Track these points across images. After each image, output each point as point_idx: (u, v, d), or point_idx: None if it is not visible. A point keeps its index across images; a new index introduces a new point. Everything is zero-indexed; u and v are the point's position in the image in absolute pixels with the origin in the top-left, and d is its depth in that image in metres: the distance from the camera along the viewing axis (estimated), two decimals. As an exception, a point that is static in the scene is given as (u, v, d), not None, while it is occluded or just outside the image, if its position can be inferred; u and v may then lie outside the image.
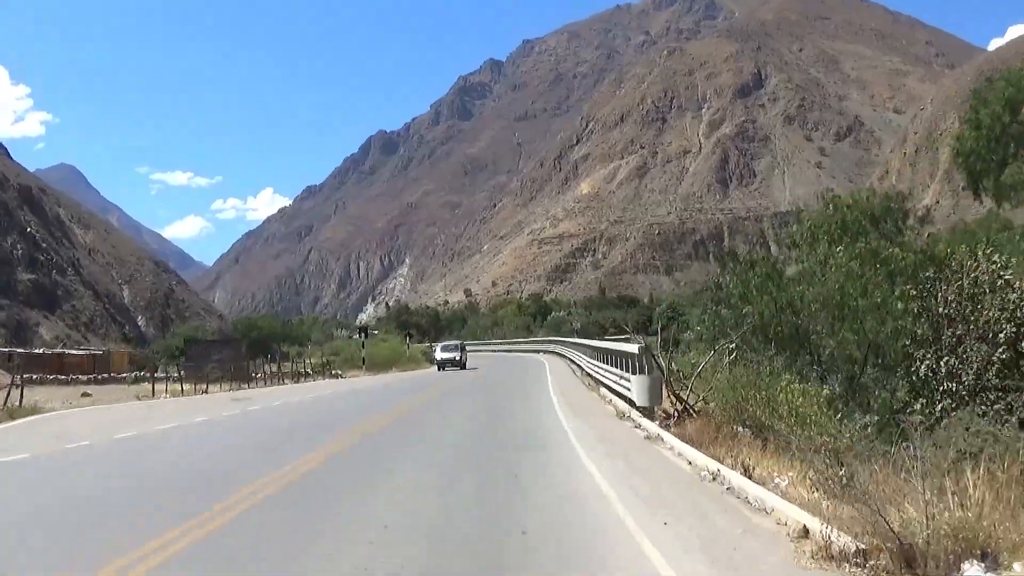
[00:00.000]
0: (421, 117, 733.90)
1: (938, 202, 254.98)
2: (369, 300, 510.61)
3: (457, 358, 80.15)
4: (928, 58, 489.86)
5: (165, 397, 48.16)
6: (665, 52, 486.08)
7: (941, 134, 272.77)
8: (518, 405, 35.28)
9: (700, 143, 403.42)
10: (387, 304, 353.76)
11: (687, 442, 19.98)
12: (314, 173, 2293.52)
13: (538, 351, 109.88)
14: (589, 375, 50.28)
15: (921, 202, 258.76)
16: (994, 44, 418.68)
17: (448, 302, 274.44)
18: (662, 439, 21.76)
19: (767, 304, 29.17)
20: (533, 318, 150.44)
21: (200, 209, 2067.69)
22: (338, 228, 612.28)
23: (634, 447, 21.38)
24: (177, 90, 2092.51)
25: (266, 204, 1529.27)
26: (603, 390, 39.11)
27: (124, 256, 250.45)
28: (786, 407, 20.18)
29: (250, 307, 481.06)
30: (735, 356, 27.29)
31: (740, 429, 21.18)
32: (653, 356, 28.30)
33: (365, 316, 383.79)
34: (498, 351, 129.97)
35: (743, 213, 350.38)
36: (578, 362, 62.66)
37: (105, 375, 72.74)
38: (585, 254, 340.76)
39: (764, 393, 21.13)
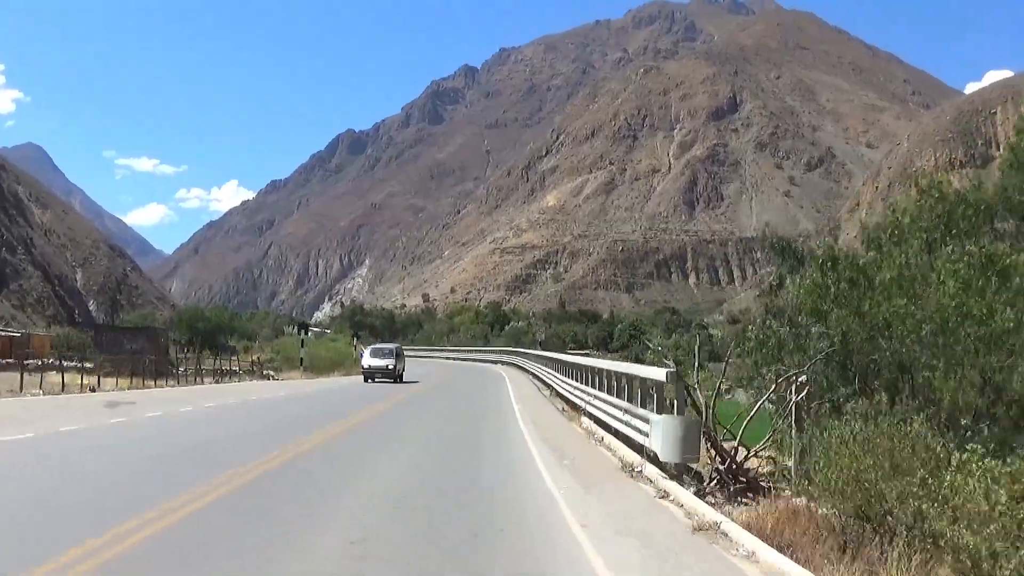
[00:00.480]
0: (391, 118, 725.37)
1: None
2: (326, 299, 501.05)
3: (391, 366, 62.95)
4: (904, 96, 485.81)
5: (35, 393, 38.46)
6: (641, 70, 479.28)
7: (915, 171, 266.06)
8: (480, 444, 25.05)
9: (670, 163, 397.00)
10: (342, 303, 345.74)
11: (781, 550, 11.01)
12: (280, 168, 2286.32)
13: (496, 362, 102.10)
14: (562, 396, 41.18)
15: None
16: (970, 88, 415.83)
17: (405, 306, 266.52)
18: (726, 534, 12.30)
19: (851, 323, 19.53)
20: (491, 327, 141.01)
21: (163, 197, 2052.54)
22: (300, 224, 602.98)
23: (684, 552, 11.72)
24: (149, 77, 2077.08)
25: (230, 196, 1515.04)
26: (585, 420, 29.85)
27: (80, 239, 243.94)
28: (973, 502, 10.71)
29: (206, 298, 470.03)
30: (806, 394, 18.09)
31: (867, 531, 11.94)
32: (689, 389, 18.95)
33: (321, 315, 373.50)
34: (452, 359, 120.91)
35: (708, 236, 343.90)
36: (545, 379, 53.91)
37: (9, 360, 63.06)
38: (547, 266, 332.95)
39: (930, 476, 11.56)
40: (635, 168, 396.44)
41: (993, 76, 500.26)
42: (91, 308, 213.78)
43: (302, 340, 78.17)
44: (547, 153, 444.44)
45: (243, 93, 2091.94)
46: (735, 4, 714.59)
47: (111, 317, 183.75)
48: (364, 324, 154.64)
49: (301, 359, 73.79)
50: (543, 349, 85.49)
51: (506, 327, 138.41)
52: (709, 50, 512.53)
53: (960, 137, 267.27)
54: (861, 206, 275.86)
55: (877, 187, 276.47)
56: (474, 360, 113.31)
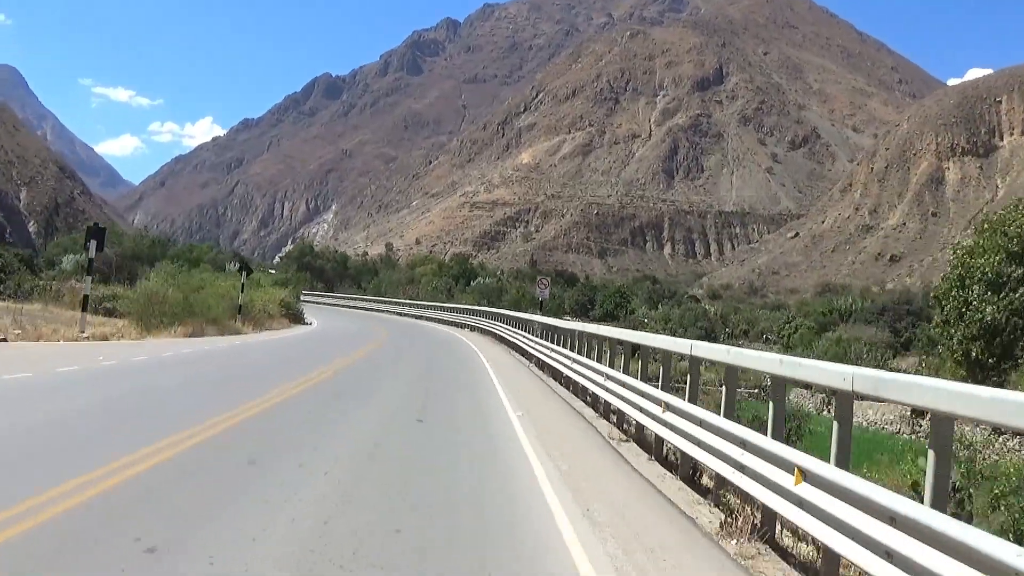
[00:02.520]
0: (369, 66, 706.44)
1: (905, 224, 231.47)
2: (289, 241, 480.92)
3: None
4: (891, 84, 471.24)
5: None
6: (628, 33, 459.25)
7: (915, 154, 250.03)
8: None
9: (651, 130, 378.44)
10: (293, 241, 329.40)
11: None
12: (255, 107, 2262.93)
13: (460, 325, 78.56)
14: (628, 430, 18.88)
15: (887, 221, 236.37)
16: (951, 83, 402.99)
17: (368, 254, 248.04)
18: None
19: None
20: (455, 280, 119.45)
21: (137, 129, 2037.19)
22: (268, 164, 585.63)
23: None
24: (133, 7, 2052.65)
25: (204, 132, 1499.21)
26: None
27: (29, 157, 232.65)
28: None
29: (168, 232, 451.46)
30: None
31: None
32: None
33: (280, 257, 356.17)
34: (403, 315, 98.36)
35: (686, 207, 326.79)
36: (561, 368, 29.38)
37: None
38: (517, 224, 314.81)
39: None
40: (615, 132, 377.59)
41: (975, 73, 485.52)
42: (30, 229, 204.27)
43: (242, 284, 58.77)
44: (525, 110, 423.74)
45: (224, 30, 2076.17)
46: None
47: (45, 239, 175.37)
48: (313, 267, 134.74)
49: (240, 306, 55.13)
50: (544, 314, 52.74)
51: (472, 282, 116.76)
52: (697, 20, 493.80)
53: (963, 123, 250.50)
54: (854, 187, 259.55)
55: (872, 168, 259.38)
56: (430, 319, 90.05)
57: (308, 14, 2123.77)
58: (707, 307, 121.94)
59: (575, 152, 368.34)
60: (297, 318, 72.12)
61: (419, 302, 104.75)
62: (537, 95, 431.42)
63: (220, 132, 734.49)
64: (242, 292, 57.77)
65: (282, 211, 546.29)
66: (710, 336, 79.31)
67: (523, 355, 43.07)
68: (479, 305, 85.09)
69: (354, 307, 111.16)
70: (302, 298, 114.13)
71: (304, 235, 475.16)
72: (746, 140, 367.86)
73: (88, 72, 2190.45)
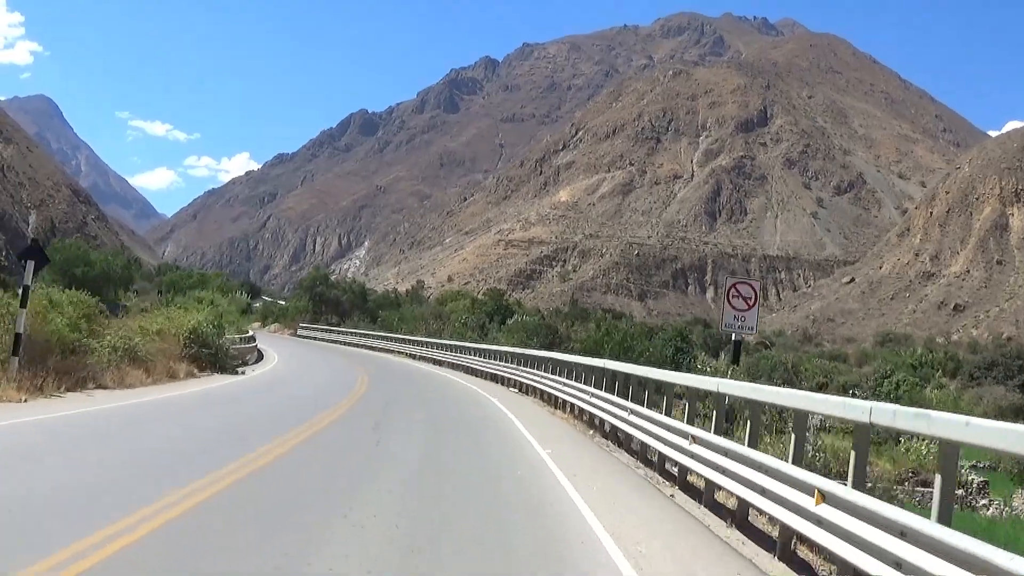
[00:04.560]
0: (406, 103, 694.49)
1: (968, 271, 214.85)
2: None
3: None
4: (936, 132, 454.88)
5: None
6: (670, 72, 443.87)
7: (978, 198, 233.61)
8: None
9: (693, 170, 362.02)
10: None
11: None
12: (289, 143, 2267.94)
13: (496, 377, 53.15)
14: None
15: (949, 268, 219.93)
16: (993, 134, 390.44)
17: (397, 291, 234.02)
18: None
19: None
20: (489, 318, 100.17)
21: (173, 163, 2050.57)
22: (302, 199, 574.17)
23: None
24: (169, 43, 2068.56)
25: (240, 167, 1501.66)
26: None
27: (40, 179, 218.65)
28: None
29: (198, 264, 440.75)
30: None
31: None
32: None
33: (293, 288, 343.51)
34: (416, 357, 76.87)
35: (729, 250, 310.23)
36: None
37: None
38: (554, 263, 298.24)
39: None
40: (656, 172, 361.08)
41: (1013, 125, 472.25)
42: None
43: (24, 290, 42.64)
44: (564, 148, 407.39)
45: (261, 66, 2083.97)
46: (765, 24, 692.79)
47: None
48: (326, 297, 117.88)
49: (17, 338, 39.48)
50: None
51: (508, 321, 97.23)
52: (741, 62, 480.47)
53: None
54: (912, 232, 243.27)
55: (931, 212, 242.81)
56: (453, 365, 65.78)
57: (346, 51, 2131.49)
58: (780, 356, 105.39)
59: (615, 191, 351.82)
60: (236, 359, 50.29)
61: (436, 340, 78.77)
62: (576, 133, 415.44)
63: (255, 167, 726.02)
64: (21, 307, 28.42)
65: (314, 246, 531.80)
66: (786, 382, 64.96)
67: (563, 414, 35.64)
68: (513, 347, 57.25)
69: (357, 344, 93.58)
70: (300, 331, 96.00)
71: (336, 271, 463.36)
72: (790, 184, 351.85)
73: (125, 105, 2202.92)
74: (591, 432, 29.06)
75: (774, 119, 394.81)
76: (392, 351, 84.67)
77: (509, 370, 49.92)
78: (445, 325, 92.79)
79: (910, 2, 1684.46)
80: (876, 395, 71.62)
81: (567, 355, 42.14)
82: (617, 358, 38.63)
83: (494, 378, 53.57)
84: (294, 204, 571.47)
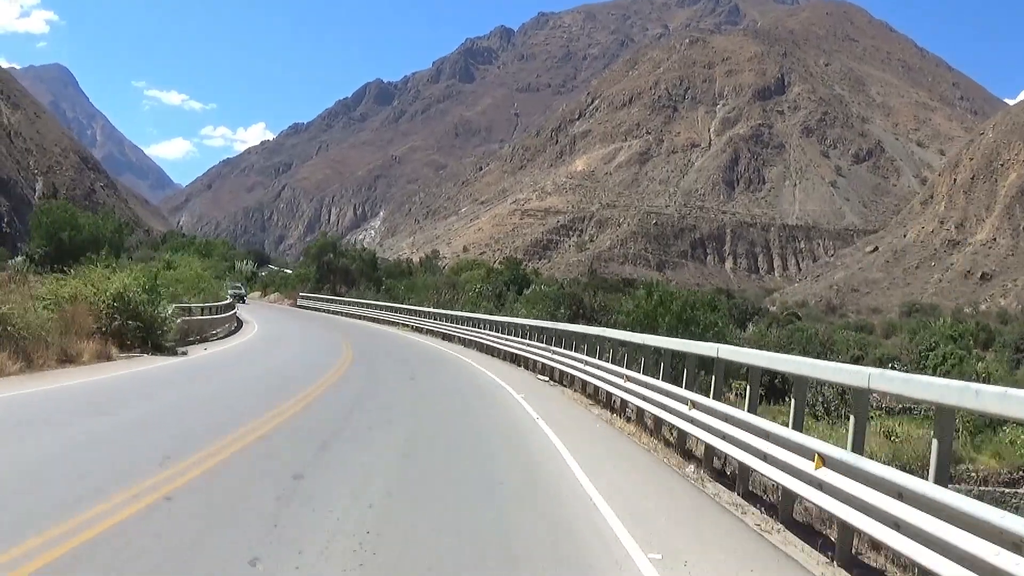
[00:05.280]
0: (422, 72, 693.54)
1: (995, 239, 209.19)
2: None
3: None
4: (953, 100, 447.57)
5: None
6: (687, 40, 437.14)
7: (1003, 164, 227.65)
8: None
9: (710, 139, 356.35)
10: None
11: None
12: (305, 112, 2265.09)
13: (497, 351, 46.06)
14: None
15: (975, 236, 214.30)
16: (1009, 102, 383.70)
17: (409, 260, 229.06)
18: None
19: None
20: (507, 286, 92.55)
21: (189, 133, 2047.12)
22: (316, 169, 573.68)
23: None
24: (186, 11, 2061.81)
25: (256, 137, 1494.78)
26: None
27: (48, 145, 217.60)
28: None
29: (212, 234, 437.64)
30: None
31: None
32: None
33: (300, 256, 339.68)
34: (425, 330, 66.45)
35: (748, 219, 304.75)
36: None
37: None
38: (571, 233, 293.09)
39: None
40: (673, 140, 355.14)
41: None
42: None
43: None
44: (580, 117, 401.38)
45: (277, 37, 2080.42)
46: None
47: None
48: (334, 266, 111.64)
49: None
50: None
51: (525, 291, 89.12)
52: (757, 30, 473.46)
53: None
54: (936, 199, 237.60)
55: (955, 179, 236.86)
56: (463, 339, 55.55)
57: (362, 21, 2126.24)
58: (812, 329, 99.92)
59: (631, 160, 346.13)
60: (194, 333, 42.42)
61: (452, 312, 65.23)
62: (592, 102, 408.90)
63: (271, 137, 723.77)
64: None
65: (329, 216, 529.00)
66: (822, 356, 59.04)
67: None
68: (539, 320, 46.21)
69: (359, 316, 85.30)
70: (301, 301, 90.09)
71: (351, 241, 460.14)
72: (809, 152, 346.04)
73: (141, 75, 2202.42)
74: (690, 468, 16.76)
75: (791, 87, 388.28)
76: (397, 323, 75.60)
77: (535, 350, 37.73)
78: (459, 295, 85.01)
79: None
80: (921, 370, 66.57)
81: (621, 333, 28.16)
82: (675, 334, 31.99)
83: (514, 359, 42.37)
84: (309, 174, 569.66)
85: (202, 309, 48.65)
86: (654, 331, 34.40)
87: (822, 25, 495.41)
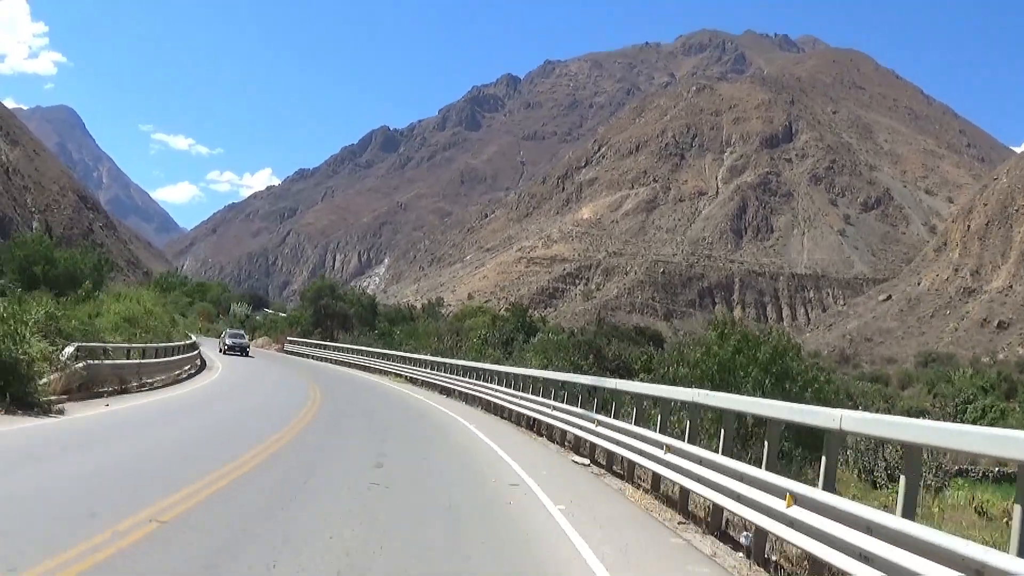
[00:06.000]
0: (428, 120, 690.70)
1: (1011, 286, 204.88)
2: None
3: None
4: (960, 147, 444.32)
5: None
6: (693, 88, 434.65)
7: (1018, 210, 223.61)
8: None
9: (718, 187, 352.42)
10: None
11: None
12: (310, 158, 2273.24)
13: (510, 413, 36.26)
14: None
15: (991, 284, 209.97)
16: (1016, 150, 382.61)
17: (411, 305, 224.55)
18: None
19: None
20: (512, 335, 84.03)
21: (195, 177, 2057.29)
22: (322, 215, 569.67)
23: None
24: (194, 56, 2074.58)
25: (262, 183, 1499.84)
26: None
27: (46, 183, 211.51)
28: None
29: (216, 278, 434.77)
30: None
31: None
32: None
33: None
34: (414, 379, 59.36)
35: (756, 268, 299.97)
36: None
37: None
38: (577, 281, 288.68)
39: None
40: (680, 188, 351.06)
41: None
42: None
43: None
44: (586, 164, 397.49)
45: (284, 82, 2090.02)
46: (786, 41, 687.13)
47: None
48: (332, 310, 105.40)
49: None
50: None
51: (532, 339, 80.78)
52: (764, 77, 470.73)
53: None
54: (950, 246, 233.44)
55: (969, 226, 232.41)
56: (464, 392, 46.21)
57: (369, 69, 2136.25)
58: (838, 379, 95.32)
59: (638, 208, 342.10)
60: (105, 382, 31.81)
61: (451, 361, 55.09)
62: (599, 149, 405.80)
63: (277, 182, 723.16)
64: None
65: (333, 263, 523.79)
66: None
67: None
68: (570, 373, 36.48)
69: (348, 363, 77.29)
70: (288, 345, 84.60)
71: (356, 287, 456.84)
72: (817, 200, 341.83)
73: (148, 118, 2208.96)
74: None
75: (799, 134, 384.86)
76: (388, 372, 66.65)
77: (563, 415, 27.41)
78: (462, 341, 78.27)
79: (927, 19, 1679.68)
80: (964, 421, 61.83)
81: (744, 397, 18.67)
82: (763, 392, 24.06)
83: (531, 425, 32.71)
84: (314, 220, 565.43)
85: (127, 352, 37.96)
86: (736, 389, 25.99)
87: (828, 73, 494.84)
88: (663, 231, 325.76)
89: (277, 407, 33.81)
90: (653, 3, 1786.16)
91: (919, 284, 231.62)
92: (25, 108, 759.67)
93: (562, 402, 28.55)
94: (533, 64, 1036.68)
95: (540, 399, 31.55)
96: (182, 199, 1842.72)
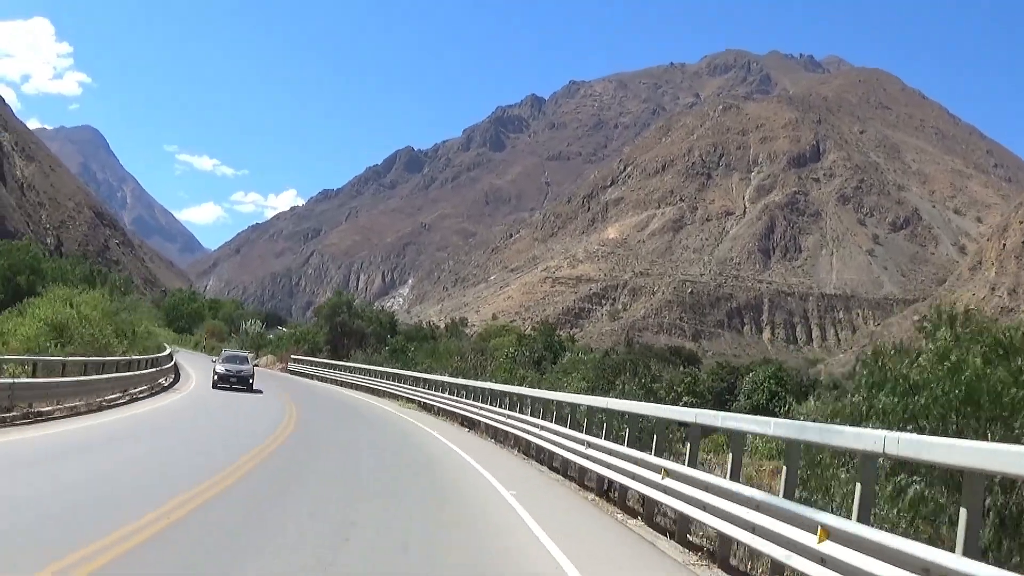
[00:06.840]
0: (452, 140, 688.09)
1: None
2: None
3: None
4: (987, 167, 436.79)
5: None
6: (720, 107, 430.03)
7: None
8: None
9: (745, 206, 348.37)
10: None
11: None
12: (334, 178, 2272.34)
13: (559, 463, 24.10)
14: None
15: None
16: None
17: (433, 324, 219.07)
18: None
19: None
20: (543, 354, 76.28)
21: (220, 198, 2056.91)
22: (345, 235, 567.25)
23: None
24: (219, 77, 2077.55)
25: (286, 204, 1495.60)
26: None
27: (61, 199, 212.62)
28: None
29: (240, 298, 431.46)
30: None
31: None
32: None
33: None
34: (430, 407, 47.41)
35: (785, 288, 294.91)
36: None
37: None
38: (603, 302, 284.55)
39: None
40: (707, 208, 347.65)
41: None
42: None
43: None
44: (612, 184, 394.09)
45: (309, 103, 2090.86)
46: (811, 62, 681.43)
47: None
48: (348, 327, 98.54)
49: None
50: None
51: (560, 359, 72.95)
52: (791, 97, 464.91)
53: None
54: (985, 264, 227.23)
55: (1004, 244, 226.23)
56: (494, 431, 33.69)
57: (393, 90, 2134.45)
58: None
59: (665, 228, 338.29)
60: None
61: (475, 383, 42.10)
62: (625, 168, 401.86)
63: (301, 203, 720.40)
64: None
65: (357, 283, 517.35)
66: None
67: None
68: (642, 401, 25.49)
69: (356, 385, 67.25)
70: (293, 364, 78.33)
71: (379, 308, 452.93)
72: (845, 220, 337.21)
73: (173, 139, 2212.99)
74: None
75: (826, 154, 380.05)
76: (399, 397, 55.89)
77: (639, 469, 16.12)
78: (488, 360, 69.95)
79: (952, 40, 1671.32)
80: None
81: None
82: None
83: (602, 490, 19.78)
84: (338, 240, 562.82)
85: (34, 366, 29.83)
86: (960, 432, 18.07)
87: (855, 92, 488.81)
88: (690, 251, 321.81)
89: (218, 456, 20.30)
90: (678, 24, 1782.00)
91: (954, 304, 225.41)
92: (49, 128, 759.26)
93: (641, 450, 17.26)
94: (558, 85, 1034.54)
95: (620, 448, 18.07)
96: (207, 220, 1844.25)
